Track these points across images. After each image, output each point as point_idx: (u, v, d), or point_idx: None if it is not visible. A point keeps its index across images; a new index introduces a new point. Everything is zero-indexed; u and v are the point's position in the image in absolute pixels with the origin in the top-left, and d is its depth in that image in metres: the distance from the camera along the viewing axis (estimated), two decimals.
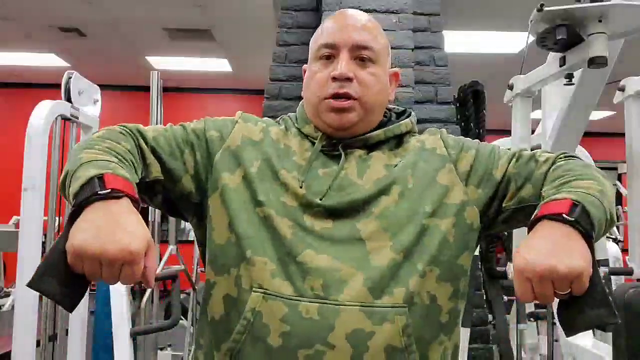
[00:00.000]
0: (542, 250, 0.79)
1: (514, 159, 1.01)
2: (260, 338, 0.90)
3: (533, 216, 0.86)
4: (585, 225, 0.81)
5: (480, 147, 1.05)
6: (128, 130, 0.98)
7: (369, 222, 0.95)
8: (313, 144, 1.04)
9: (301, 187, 0.97)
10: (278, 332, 0.89)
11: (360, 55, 1.02)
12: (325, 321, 0.89)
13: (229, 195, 0.98)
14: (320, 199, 0.96)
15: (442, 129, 1.10)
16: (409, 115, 1.12)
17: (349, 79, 1.00)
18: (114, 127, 0.98)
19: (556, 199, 0.85)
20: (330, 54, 1.03)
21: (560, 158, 0.99)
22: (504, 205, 1.00)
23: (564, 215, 0.82)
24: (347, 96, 1.00)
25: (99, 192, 0.79)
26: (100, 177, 0.81)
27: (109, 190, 0.80)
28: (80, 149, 0.90)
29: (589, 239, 0.81)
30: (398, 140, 1.06)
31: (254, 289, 0.92)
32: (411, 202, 0.96)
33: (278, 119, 1.14)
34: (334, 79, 1.00)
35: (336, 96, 1.00)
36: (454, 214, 0.97)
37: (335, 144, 1.03)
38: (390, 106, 1.15)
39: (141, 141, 0.98)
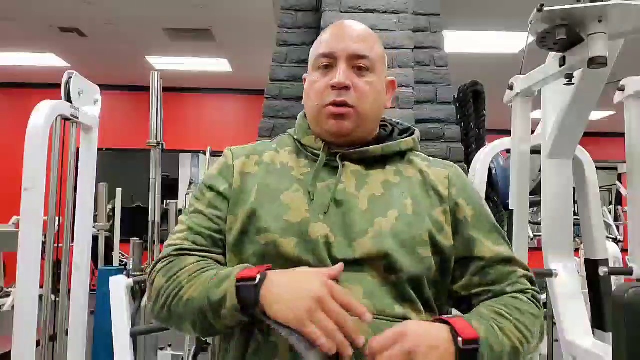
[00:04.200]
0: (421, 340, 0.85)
1: (493, 262, 1.03)
2: (271, 355, 0.92)
3: (441, 314, 0.93)
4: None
5: (483, 210, 1.07)
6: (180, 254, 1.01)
7: (364, 242, 0.97)
8: (312, 154, 1.07)
9: (312, 199, 1.00)
10: (287, 349, 0.90)
11: (358, 64, 1.06)
12: None
13: (236, 239, 1.02)
14: (325, 213, 0.99)
15: (456, 166, 1.12)
16: (412, 133, 1.14)
17: (346, 88, 1.04)
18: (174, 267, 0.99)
19: (471, 324, 0.89)
20: (328, 64, 1.07)
21: (526, 293, 1.01)
22: (455, 280, 1.04)
23: (459, 339, 0.86)
24: (344, 104, 1.04)
25: (255, 283, 0.88)
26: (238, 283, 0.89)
27: (258, 278, 0.88)
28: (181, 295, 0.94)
29: None
30: (400, 157, 1.09)
31: None
32: (407, 227, 0.99)
33: (273, 138, 1.18)
34: (333, 87, 1.04)
35: (334, 104, 1.04)
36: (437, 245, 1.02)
37: (334, 155, 1.06)
38: (396, 121, 1.19)
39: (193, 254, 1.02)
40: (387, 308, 0.94)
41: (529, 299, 1.00)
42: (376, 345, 0.84)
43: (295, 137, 1.12)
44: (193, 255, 1.00)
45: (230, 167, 1.09)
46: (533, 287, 1.03)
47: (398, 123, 1.19)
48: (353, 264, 0.96)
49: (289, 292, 0.86)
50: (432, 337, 0.86)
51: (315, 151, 1.07)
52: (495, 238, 1.05)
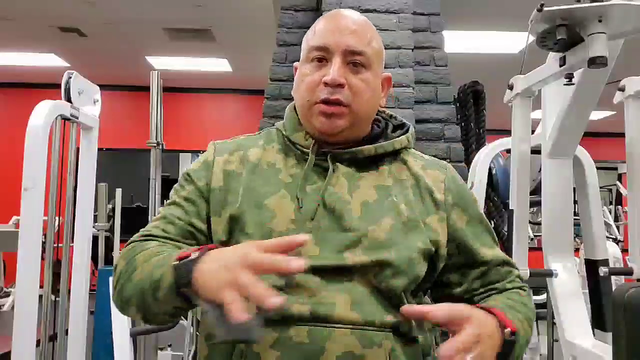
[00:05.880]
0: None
1: (493, 266, 1.06)
2: None
3: (483, 304, 0.97)
4: (507, 351, 0.89)
5: (475, 213, 1.07)
6: (143, 239, 0.99)
7: (357, 251, 0.93)
8: (301, 152, 1.02)
9: (301, 207, 0.96)
10: (273, 357, 0.88)
11: (353, 60, 0.99)
12: (315, 345, 0.88)
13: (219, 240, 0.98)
14: (312, 219, 0.95)
15: (450, 166, 1.09)
16: (407, 130, 1.08)
17: (340, 85, 0.97)
18: (134, 248, 0.96)
19: (507, 317, 0.92)
20: (322, 57, 1.00)
21: (524, 290, 1.08)
22: (451, 277, 1.05)
23: (506, 331, 0.89)
24: (338, 102, 0.98)
25: (193, 258, 0.81)
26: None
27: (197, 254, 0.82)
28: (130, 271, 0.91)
29: None
30: (393, 157, 1.05)
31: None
32: (402, 236, 0.96)
33: (260, 131, 1.13)
34: (326, 84, 0.97)
35: (327, 102, 0.98)
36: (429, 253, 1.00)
37: (325, 154, 1.00)
38: (389, 114, 1.13)
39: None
40: (376, 318, 0.91)
41: (526, 295, 1.07)
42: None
43: (285, 132, 1.05)
44: (157, 240, 0.97)
45: (210, 164, 1.04)
46: (525, 285, 1.10)
47: (392, 117, 1.12)
48: (342, 273, 0.92)
49: (220, 262, 0.78)
50: (489, 326, 0.89)
51: (305, 149, 1.01)
52: (489, 240, 1.07)
